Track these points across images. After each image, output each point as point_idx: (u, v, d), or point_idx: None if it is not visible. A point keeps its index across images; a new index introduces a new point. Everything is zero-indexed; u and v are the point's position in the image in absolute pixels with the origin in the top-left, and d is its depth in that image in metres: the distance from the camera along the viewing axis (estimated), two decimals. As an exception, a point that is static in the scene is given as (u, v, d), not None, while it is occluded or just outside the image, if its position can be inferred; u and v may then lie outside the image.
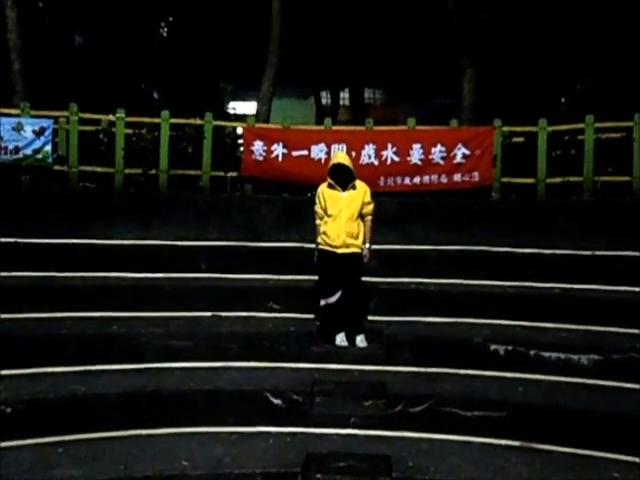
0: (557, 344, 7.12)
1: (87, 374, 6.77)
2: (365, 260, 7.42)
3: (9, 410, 6.03)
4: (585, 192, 10.27)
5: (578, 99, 17.17)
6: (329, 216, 7.39)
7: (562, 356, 7.01)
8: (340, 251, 7.32)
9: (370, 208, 7.49)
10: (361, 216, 7.43)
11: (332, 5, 19.72)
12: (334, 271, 7.32)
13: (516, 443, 6.09)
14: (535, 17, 16.38)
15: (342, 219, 7.33)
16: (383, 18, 19.99)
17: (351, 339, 7.38)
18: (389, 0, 19.33)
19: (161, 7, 20.61)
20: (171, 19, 22.61)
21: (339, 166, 7.41)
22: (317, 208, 7.52)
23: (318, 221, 7.51)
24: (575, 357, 6.97)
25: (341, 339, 7.38)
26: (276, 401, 6.49)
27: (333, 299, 7.35)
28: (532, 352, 7.08)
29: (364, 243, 7.43)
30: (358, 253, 7.37)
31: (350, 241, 7.34)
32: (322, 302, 7.45)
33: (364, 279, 7.64)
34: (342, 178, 7.39)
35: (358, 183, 7.50)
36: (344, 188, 7.41)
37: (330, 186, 7.45)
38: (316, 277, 7.68)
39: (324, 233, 7.39)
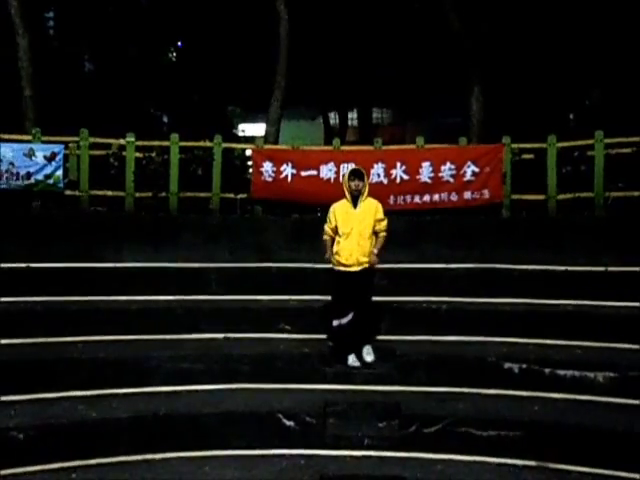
0: (572, 362, 7.06)
1: (99, 398, 6.75)
2: (373, 260, 7.32)
3: (21, 436, 6.02)
4: (596, 208, 10.21)
5: (587, 115, 17.15)
6: (341, 235, 7.38)
7: (577, 374, 6.94)
8: (354, 269, 7.32)
9: (384, 224, 7.48)
10: (375, 233, 7.43)
11: (340, 27, 19.85)
12: (348, 292, 7.30)
13: (532, 463, 6.02)
14: (542, 34, 16.42)
15: (354, 237, 7.33)
16: (390, 39, 20.10)
17: (359, 354, 7.35)
18: (396, 21, 19.46)
19: (170, 32, 20.83)
20: (180, 43, 22.85)
21: (355, 169, 7.53)
22: (326, 227, 7.54)
23: (326, 237, 7.54)
24: (590, 375, 6.90)
25: (353, 359, 7.34)
26: (289, 423, 6.45)
27: (346, 320, 7.33)
28: (547, 370, 7.02)
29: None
30: (369, 268, 7.35)
31: (363, 259, 7.34)
32: (335, 322, 7.42)
33: (376, 298, 7.60)
34: (357, 181, 7.38)
35: (369, 199, 7.50)
36: (355, 204, 7.41)
37: (343, 204, 7.43)
38: (327, 297, 7.66)
39: (337, 253, 7.38)
